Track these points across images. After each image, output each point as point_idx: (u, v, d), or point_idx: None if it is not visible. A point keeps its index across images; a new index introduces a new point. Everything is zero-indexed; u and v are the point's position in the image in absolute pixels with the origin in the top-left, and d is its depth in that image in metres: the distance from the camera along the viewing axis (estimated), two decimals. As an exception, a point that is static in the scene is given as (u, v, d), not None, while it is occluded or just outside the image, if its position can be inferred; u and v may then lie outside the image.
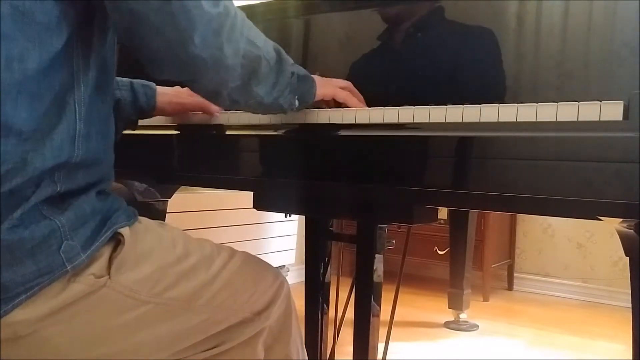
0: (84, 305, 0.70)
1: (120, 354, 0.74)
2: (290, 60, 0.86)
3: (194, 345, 0.82)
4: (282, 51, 0.85)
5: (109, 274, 0.71)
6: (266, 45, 0.81)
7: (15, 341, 0.67)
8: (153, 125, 1.12)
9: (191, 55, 0.71)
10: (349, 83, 0.97)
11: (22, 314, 0.66)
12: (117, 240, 0.73)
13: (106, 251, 0.72)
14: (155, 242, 0.79)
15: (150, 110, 1.09)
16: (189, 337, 0.81)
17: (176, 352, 0.80)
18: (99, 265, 0.71)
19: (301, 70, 0.89)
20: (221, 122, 1.03)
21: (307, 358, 1.00)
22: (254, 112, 0.93)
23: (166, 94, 1.09)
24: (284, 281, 0.94)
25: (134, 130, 1.11)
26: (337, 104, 0.95)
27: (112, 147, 0.79)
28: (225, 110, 1.03)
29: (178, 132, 1.06)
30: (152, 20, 0.68)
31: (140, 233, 0.77)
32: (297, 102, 0.88)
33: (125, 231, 0.73)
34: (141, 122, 1.12)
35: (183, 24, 0.69)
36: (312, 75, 0.91)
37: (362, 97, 0.97)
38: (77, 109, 0.70)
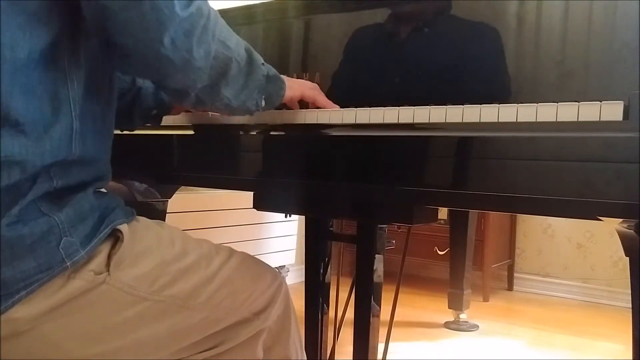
0: (84, 302, 0.70)
1: (120, 352, 0.74)
2: (261, 60, 0.85)
3: (193, 345, 0.82)
4: (253, 51, 0.83)
5: (108, 270, 0.71)
6: (238, 47, 0.80)
7: (15, 338, 0.67)
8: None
9: (159, 55, 0.70)
10: (316, 85, 0.97)
11: (22, 310, 0.66)
12: (115, 237, 0.74)
13: (105, 248, 0.73)
14: (154, 240, 0.79)
15: (169, 106, 1.07)
16: (188, 336, 0.80)
17: (175, 352, 0.80)
18: (98, 261, 0.71)
19: (271, 70, 0.87)
20: (221, 122, 1.03)
21: (306, 359, 1.00)
22: (219, 113, 0.92)
23: None
24: (282, 282, 0.94)
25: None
26: (303, 105, 0.95)
27: (109, 147, 0.80)
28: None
29: (177, 132, 1.06)
30: (121, 18, 0.67)
31: (139, 231, 0.77)
32: (263, 102, 0.86)
33: (124, 228, 0.74)
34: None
35: (152, 24, 0.67)
36: (282, 76, 0.90)
37: (328, 100, 0.96)
38: (72, 107, 0.70)
